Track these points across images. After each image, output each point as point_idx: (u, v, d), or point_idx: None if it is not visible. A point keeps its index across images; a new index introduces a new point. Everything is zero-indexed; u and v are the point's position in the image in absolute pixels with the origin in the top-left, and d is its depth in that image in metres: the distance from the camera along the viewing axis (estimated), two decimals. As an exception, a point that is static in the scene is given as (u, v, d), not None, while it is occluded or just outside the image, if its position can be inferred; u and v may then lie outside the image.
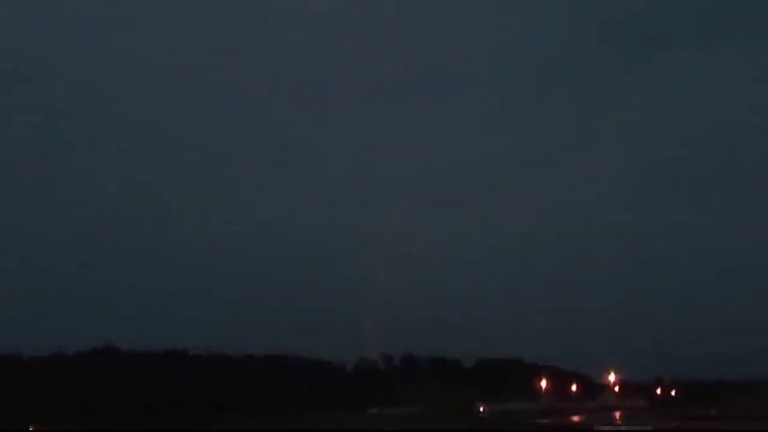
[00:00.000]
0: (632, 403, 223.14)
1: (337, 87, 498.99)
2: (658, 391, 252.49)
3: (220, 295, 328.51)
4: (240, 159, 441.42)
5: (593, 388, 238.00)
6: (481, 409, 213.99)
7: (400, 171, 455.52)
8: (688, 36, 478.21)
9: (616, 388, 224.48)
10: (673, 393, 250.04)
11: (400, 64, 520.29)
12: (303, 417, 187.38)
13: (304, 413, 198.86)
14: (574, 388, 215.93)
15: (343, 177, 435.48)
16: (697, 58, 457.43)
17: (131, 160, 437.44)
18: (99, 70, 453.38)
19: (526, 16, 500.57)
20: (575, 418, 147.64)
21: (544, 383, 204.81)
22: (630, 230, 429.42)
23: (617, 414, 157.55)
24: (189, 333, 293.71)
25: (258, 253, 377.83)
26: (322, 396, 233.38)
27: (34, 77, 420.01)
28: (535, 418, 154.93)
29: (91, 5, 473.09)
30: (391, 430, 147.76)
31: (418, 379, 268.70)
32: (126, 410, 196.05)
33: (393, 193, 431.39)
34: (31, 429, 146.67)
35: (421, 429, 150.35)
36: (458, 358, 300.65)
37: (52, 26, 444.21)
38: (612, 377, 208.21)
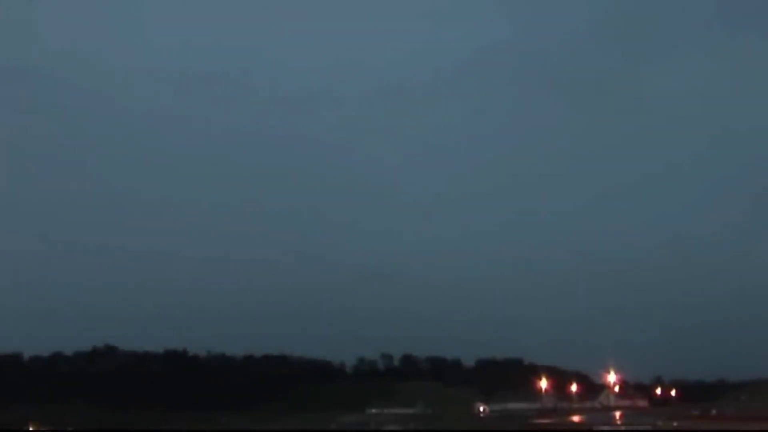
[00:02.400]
0: (632, 402, 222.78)
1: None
2: (658, 391, 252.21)
3: (221, 297, 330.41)
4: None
5: (593, 388, 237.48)
6: (481, 408, 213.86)
7: (400, 173, 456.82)
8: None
9: (616, 388, 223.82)
10: (673, 393, 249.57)
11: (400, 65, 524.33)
12: (303, 417, 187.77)
13: (304, 413, 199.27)
14: (574, 388, 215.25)
15: (337, 178, 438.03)
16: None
17: (134, 167, 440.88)
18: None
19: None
20: (575, 418, 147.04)
21: (544, 383, 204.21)
22: (630, 233, 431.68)
23: (617, 414, 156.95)
24: (189, 333, 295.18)
25: (259, 254, 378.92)
26: (322, 396, 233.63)
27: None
28: (535, 418, 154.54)
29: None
30: (391, 430, 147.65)
31: (418, 379, 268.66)
32: (126, 409, 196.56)
33: (392, 194, 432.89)
34: (31, 429, 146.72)
35: (421, 429, 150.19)
36: (458, 358, 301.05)
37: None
38: (612, 377, 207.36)
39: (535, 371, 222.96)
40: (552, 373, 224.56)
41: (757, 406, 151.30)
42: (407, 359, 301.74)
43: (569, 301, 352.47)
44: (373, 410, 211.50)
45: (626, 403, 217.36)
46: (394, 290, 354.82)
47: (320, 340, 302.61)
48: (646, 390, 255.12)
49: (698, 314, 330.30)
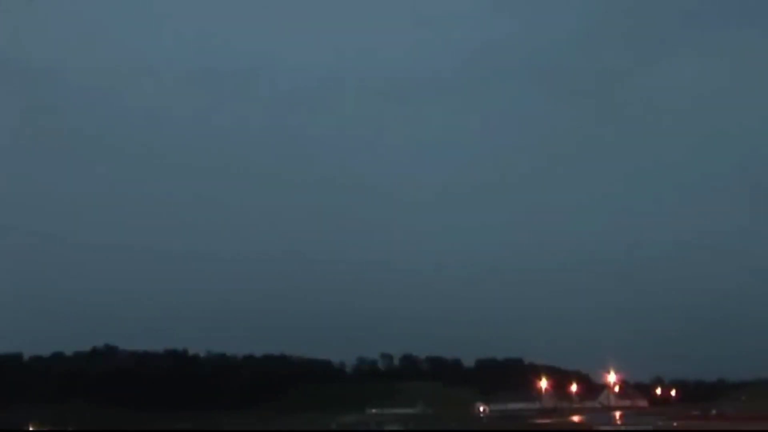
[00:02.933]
0: (632, 402, 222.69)
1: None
2: (658, 391, 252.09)
3: (221, 297, 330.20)
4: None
5: (593, 388, 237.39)
6: (482, 409, 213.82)
7: (400, 172, 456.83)
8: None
9: (616, 388, 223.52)
10: (673, 393, 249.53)
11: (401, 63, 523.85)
12: (303, 417, 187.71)
13: (304, 413, 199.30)
14: (574, 388, 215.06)
15: (337, 177, 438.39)
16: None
17: (136, 166, 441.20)
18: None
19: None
20: (575, 418, 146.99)
21: (544, 383, 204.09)
22: (630, 232, 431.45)
23: (617, 414, 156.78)
24: (189, 333, 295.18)
25: (259, 254, 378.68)
26: (322, 396, 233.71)
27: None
28: (535, 418, 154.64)
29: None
30: (392, 430, 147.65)
31: (418, 379, 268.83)
32: (126, 409, 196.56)
33: (389, 195, 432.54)
34: (31, 429, 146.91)
35: (421, 429, 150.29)
36: (458, 358, 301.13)
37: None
38: (612, 377, 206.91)
39: (535, 371, 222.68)
40: (552, 373, 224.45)
41: (757, 406, 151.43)
42: (407, 359, 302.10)
43: (569, 301, 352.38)
44: (373, 410, 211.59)
45: (626, 403, 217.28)
46: (393, 290, 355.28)
47: (320, 340, 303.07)
48: (646, 390, 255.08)
49: (697, 314, 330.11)
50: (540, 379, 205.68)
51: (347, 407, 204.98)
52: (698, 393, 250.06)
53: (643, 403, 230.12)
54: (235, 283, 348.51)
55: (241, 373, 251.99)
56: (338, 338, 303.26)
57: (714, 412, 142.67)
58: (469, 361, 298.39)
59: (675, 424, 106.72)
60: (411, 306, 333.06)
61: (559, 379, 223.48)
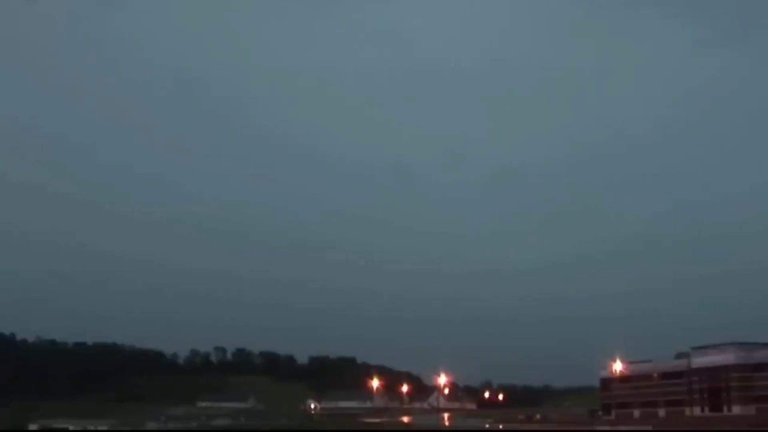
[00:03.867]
0: (461, 404, 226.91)
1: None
2: (487, 394, 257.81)
3: (50, 282, 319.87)
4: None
5: (424, 389, 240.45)
6: (312, 406, 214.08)
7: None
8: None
9: (446, 390, 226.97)
10: (500, 397, 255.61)
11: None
12: (131, 408, 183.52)
13: (134, 404, 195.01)
14: (405, 388, 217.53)
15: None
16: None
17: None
18: None
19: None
20: (405, 419, 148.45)
21: (375, 383, 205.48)
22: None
23: (446, 415, 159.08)
24: (17, 316, 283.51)
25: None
26: (154, 387, 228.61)
27: None
28: (365, 417, 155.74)
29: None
30: (220, 425, 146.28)
31: (250, 374, 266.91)
32: None
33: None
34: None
35: (249, 424, 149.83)
36: (291, 354, 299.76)
37: None
38: (442, 379, 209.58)
39: (368, 371, 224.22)
40: (384, 373, 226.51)
41: (578, 412, 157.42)
42: (241, 353, 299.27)
43: (405, 302, 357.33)
44: (204, 404, 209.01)
45: (455, 405, 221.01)
46: (228, 285, 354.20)
47: (154, 330, 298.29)
48: (475, 393, 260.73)
49: (532, 325, 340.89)
50: (372, 379, 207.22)
51: (178, 399, 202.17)
52: (525, 397, 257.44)
53: (471, 405, 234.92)
54: (62, 267, 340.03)
55: (71, 361, 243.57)
56: (172, 329, 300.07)
57: (538, 416, 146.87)
58: (302, 358, 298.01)
59: (501, 426, 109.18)
60: (246, 300, 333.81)
61: (391, 379, 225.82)
